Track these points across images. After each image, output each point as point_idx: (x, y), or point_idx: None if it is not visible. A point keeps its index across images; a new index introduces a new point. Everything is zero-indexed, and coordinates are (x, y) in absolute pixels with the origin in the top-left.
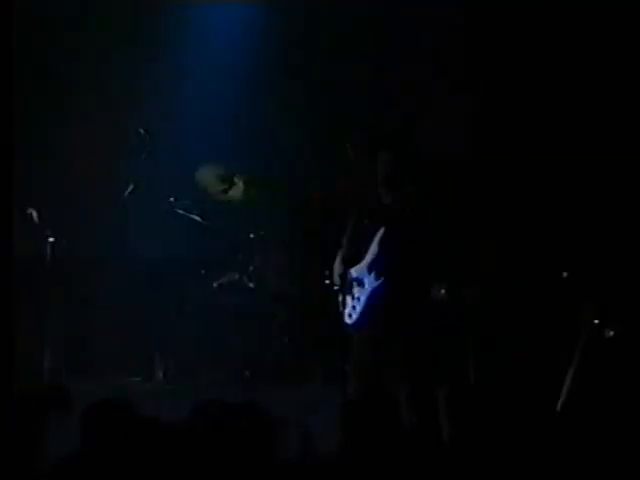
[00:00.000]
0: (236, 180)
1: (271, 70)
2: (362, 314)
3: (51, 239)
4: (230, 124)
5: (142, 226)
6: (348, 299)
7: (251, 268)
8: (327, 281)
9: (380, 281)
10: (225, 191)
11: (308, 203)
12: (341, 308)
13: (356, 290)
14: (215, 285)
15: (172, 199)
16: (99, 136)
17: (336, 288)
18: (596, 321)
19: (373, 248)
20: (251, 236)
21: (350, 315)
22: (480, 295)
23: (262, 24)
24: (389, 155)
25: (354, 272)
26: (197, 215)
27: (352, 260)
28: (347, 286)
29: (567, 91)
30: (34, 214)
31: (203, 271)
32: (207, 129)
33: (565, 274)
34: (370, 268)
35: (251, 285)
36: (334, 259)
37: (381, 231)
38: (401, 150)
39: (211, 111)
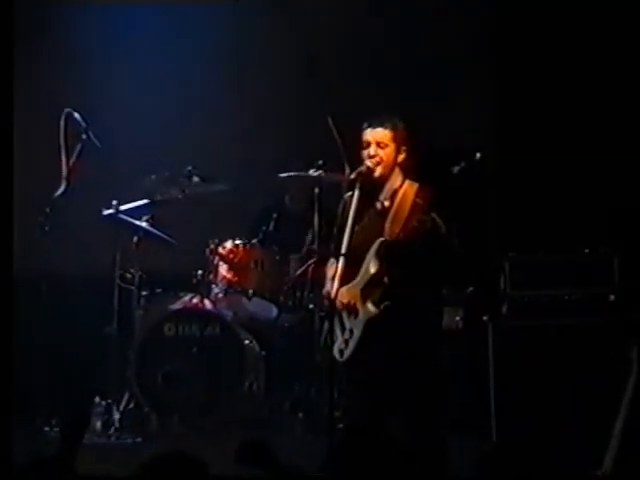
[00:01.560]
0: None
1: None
2: (356, 350)
3: None
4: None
5: (75, 236)
6: (338, 331)
7: (214, 288)
8: (311, 305)
9: (377, 311)
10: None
11: (282, 203)
12: (329, 340)
13: (348, 321)
14: (170, 309)
15: (115, 203)
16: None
17: (322, 315)
18: None
19: (366, 267)
20: (212, 246)
21: (341, 351)
22: (504, 324)
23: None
24: (380, 128)
25: (346, 294)
26: (146, 221)
27: (344, 276)
28: (337, 314)
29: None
30: None
31: (144, 292)
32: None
33: (612, 297)
34: (364, 292)
35: (214, 310)
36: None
37: (375, 244)
38: (398, 123)
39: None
